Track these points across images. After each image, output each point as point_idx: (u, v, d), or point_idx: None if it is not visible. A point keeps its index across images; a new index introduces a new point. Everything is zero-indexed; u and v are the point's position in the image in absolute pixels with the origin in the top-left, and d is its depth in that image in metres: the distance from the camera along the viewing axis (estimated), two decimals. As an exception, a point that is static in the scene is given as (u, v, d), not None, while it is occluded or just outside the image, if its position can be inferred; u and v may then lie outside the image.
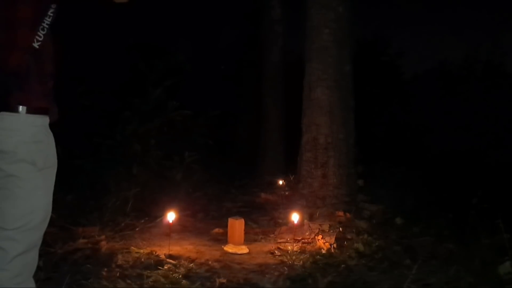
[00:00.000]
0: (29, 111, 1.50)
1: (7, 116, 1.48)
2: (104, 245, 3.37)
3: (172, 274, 2.85)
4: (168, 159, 5.14)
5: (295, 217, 3.75)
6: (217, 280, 2.81)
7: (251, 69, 7.88)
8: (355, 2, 4.81)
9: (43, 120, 1.56)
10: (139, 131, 5.01)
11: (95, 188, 4.61)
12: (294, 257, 3.27)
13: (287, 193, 5.30)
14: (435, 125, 8.32)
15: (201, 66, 8.07)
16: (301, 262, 3.20)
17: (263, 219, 4.57)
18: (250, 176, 6.69)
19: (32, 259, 1.58)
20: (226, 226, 3.73)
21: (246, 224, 3.79)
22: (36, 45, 1.50)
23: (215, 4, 8.34)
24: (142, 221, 4.06)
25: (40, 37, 1.51)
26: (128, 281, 2.69)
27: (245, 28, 8.60)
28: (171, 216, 3.58)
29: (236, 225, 3.64)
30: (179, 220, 3.94)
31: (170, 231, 3.60)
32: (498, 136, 7.54)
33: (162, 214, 3.95)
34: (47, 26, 1.53)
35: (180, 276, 2.84)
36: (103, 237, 3.54)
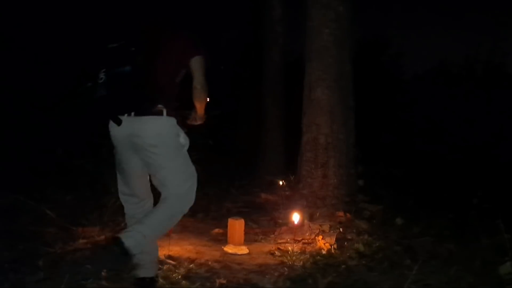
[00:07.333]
0: (167, 113, 2.49)
1: (153, 119, 2.47)
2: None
3: (172, 274, 2.85)
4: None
5: (295, 217, 3.74)
6: (217, 281, 2.81)
7: (251, 69, 7.86)
8: (355, 2, 4.80)
9: (174, 120, 2.55)
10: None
11: (95, 188, 4.59)
12: (294, 258, 3.27)
13: (287, 193, 5.27)
14: (435, 125, 8.33)
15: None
16: (301, 262, 3.20)
17: (263, 219, 4.57)
18: (250, 176, 6.68)
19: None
20: (226, 226, 3.72)
21: (246, 224, 3.78)
22: (177, 80, 2.59)
23: (215, 4, 8.33)
24: (142, 221, 4.04)
25: (179, 78, 2.60)
26: (128, 281, 2.69)
27: (246, 28, 8.58)
28: (171, 216, 3.56)
29: (236, 226, 3.64)
30: (179, 220, 3.92)
31: (170, 231, 3.58)
32: (498, 136, 7.54)
33: (162, 214, 3.93)
34: (181, 75, 2.60)
35: (180, 276, 2.84)
36: (103, 237, 3.54)
